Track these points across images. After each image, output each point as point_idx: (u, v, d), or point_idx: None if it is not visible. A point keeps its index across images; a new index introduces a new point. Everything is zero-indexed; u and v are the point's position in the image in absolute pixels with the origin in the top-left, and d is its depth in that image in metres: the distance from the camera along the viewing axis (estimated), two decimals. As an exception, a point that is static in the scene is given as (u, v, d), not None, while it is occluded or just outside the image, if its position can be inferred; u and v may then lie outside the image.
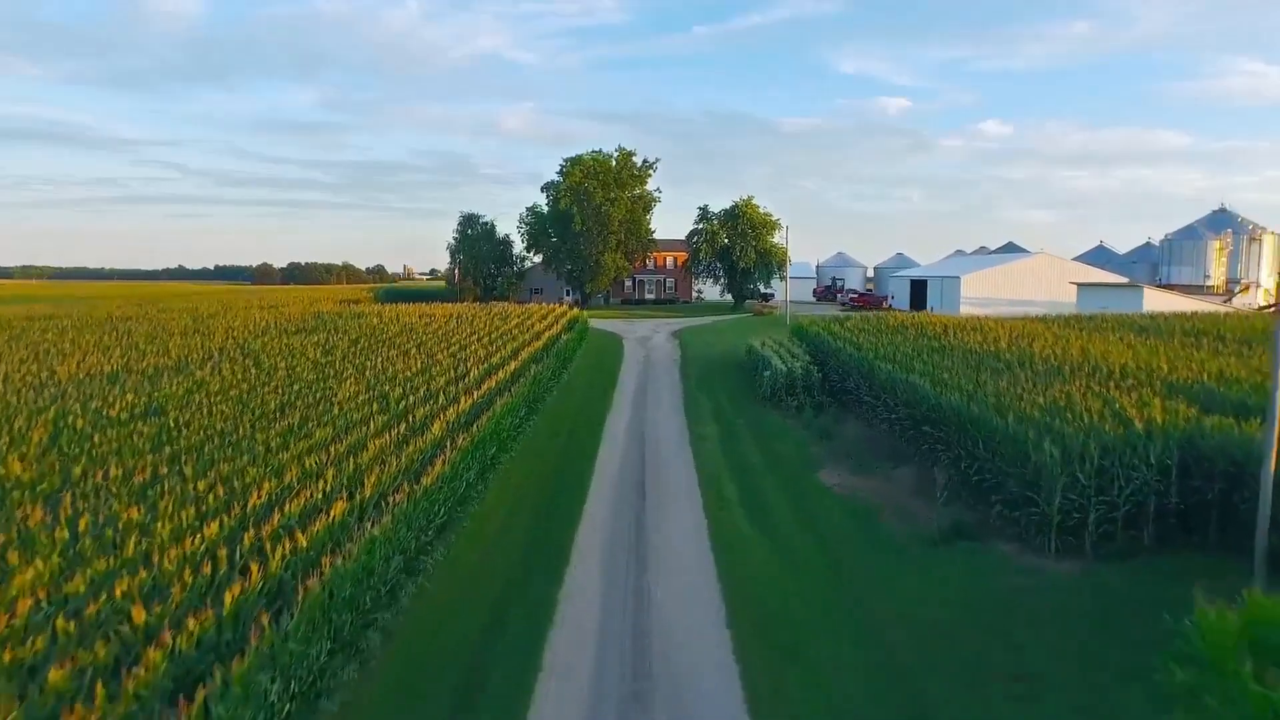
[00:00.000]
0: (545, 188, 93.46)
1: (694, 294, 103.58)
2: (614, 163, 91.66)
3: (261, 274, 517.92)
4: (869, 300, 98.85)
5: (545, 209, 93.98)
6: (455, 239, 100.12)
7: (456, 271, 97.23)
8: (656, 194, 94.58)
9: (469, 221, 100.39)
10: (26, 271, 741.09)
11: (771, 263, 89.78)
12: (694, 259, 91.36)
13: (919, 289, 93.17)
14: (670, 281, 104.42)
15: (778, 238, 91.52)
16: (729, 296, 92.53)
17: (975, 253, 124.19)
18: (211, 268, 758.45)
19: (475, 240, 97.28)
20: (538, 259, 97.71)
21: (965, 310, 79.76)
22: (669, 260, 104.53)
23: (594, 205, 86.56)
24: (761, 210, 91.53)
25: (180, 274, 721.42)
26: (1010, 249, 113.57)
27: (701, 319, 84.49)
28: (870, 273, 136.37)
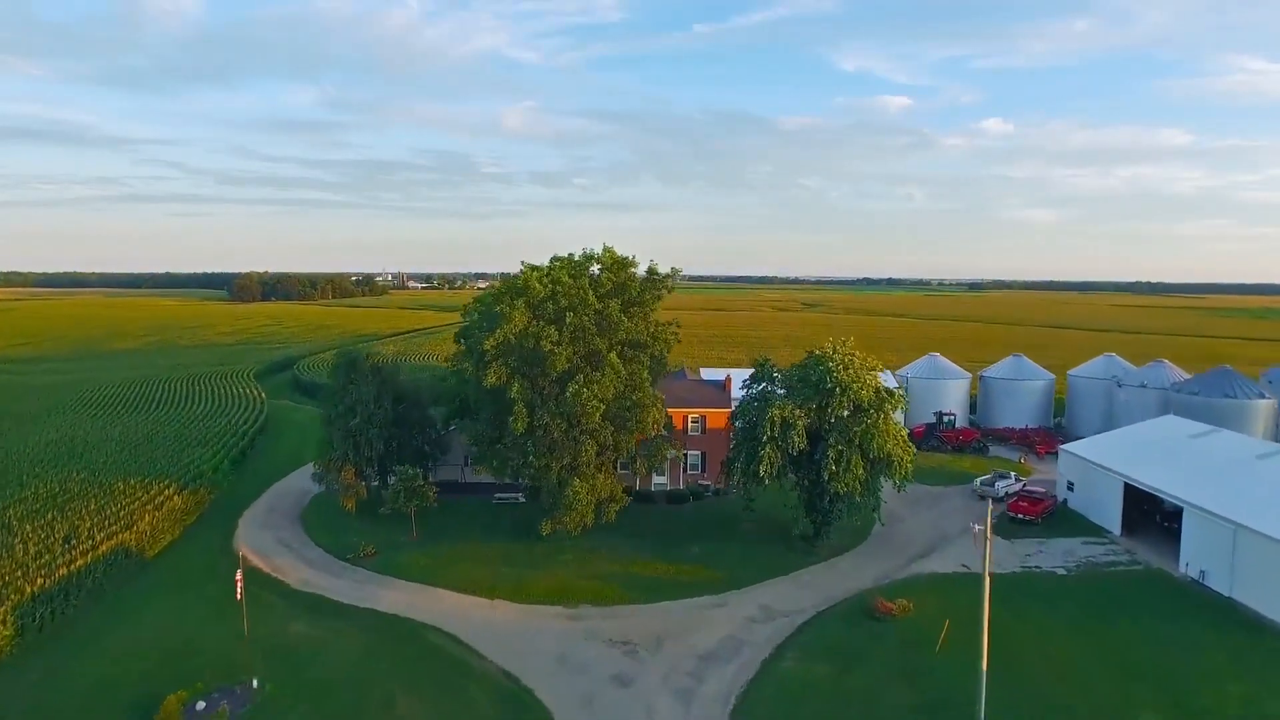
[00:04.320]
0: (465, 334, 51.90)
1: (738, 489, 57.82)
2: (595, 279, 49.79)
3: (241, 287, 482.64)
4: (1040, 505, 56.93)
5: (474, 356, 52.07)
6: (335, 394, 58.67)
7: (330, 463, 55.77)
8: (674, 333, 52.57)
9: (352, 366, 58.89)
10: (9, 279, 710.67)
11: (892, 473, 48.08)
12: (744, 462, 49.51)
13: (1158, 515, 51.95)
14: (694, 458, 62.45)
15: (899, 415, 50.31)
16: (805, 524, 50.38)
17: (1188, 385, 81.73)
18: (200, 273, 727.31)
19: (360, 402, 55.83)
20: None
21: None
22: (692, 421, 62.39)
23: (555, 379, 44.91)
24: (869, 367, 49.93)
25: (166, 281, 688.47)
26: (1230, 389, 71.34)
27: (764, 608, 43.12)
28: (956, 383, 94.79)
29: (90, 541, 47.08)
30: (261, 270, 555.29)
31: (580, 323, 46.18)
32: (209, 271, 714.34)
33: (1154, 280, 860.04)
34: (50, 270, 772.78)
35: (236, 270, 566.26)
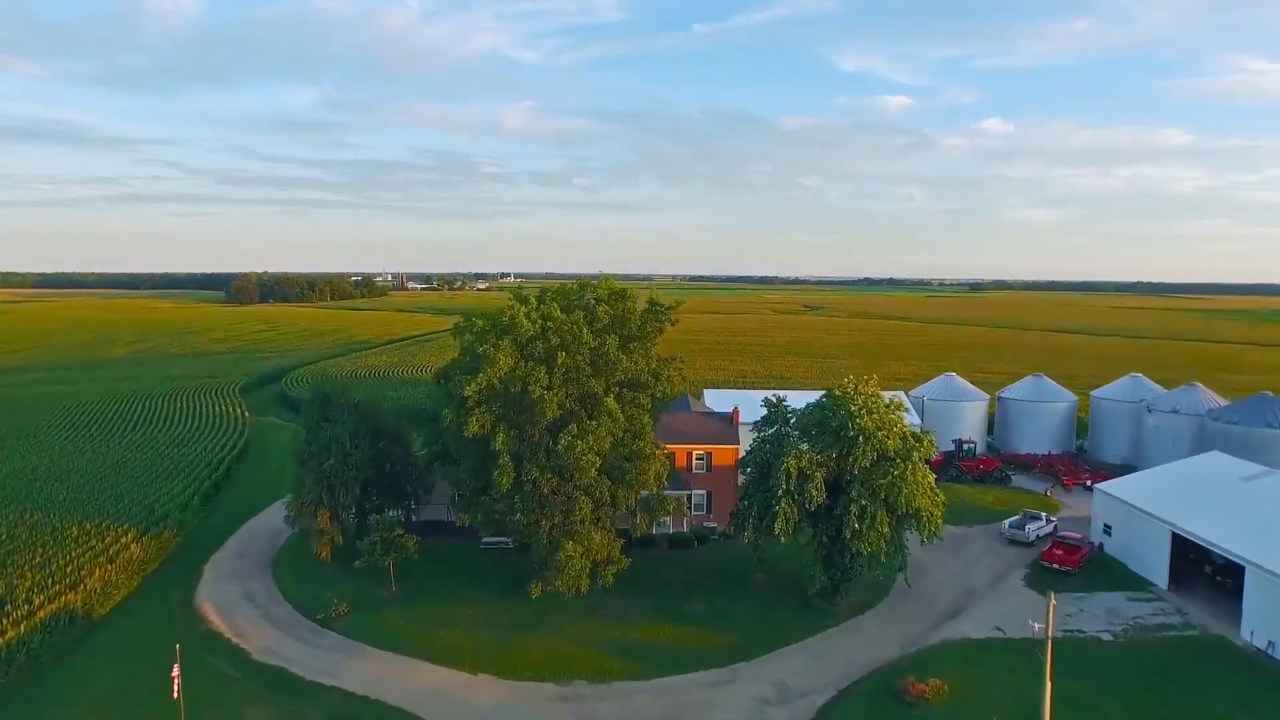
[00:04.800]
0: (445, 375, 47.19)
1: (748, 540, 52.76)
2: (591, 313, 45.05)
3: (239, 289, 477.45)
4: (1077, 553, 52.16)
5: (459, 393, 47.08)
6: (308, 431, 54.01)
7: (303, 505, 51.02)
8: (678, 369, 47.85)
9: (326, 402, 54.18)
10: (8, 279, 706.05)
11: (921, 529, 43.47)
12: (757, 515, 44.91)
13: (1206, 565, 47.35)
14: (699, 498, 57.84)
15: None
16: (823, 581, 45.61)
17: None
18: (199, 273, 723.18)
19: (335, 441, 51.11)
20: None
21: None
22: (695, 457, 57.74)
23: (545, 427, 40.25)
24: (895, 406, 45.27)
25: (165, 281, 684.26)
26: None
27: (779, 684, 38.43)
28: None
29: (28, 607, 42.29)
30: (261, 271, 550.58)
31: (573, 363, 41.45)
32: (208, 272, 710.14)
33: (1154, 280, 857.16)
34: (49, 270, 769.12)
35: (236, 270, 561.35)
